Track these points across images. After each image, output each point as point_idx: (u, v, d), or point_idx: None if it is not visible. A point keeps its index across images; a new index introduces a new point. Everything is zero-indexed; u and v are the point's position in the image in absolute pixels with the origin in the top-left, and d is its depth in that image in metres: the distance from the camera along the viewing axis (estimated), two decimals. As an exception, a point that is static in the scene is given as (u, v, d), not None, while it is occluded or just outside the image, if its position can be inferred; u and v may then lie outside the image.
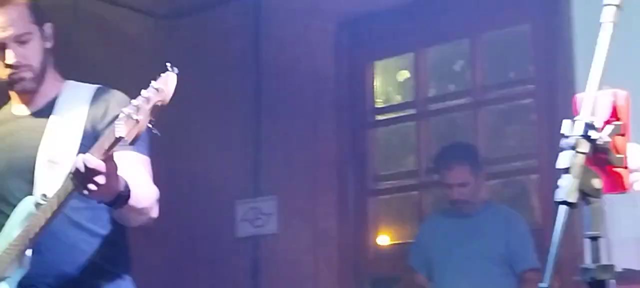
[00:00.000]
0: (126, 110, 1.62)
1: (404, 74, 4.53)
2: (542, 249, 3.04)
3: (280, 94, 4.21)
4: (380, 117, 4.51)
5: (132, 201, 1.74)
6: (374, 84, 4.49)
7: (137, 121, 1.60)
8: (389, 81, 4.69)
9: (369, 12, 3.91)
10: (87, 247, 1.93)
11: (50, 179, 1.82)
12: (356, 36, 4.38)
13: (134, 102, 1.63)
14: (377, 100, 4.53)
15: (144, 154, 1.96)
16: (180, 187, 4.07)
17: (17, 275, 1.83)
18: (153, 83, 1.63)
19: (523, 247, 3.18)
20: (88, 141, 1.80)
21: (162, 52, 4.29)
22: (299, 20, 4.05)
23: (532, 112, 3.70)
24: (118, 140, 1.63)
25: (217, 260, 4.08)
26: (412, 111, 4.33)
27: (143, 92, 1.64)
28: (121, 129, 1.62)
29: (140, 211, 1.83)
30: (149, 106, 1.61)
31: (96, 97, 1.92)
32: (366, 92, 4.39)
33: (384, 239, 4.36)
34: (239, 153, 4.26)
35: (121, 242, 2.01)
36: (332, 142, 4.32)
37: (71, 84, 2.02)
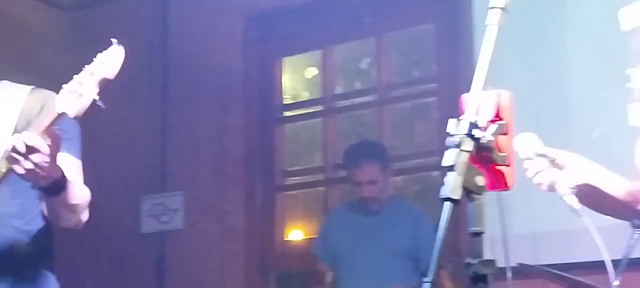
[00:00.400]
0: (68, 85, 1.59)
1: (312, 71, 4.59)
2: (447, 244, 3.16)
3: (187, 88, 4.20)
4: (288, 113, 4.56)
5: (67, 195, 1.72)
6: (282, 80, 4.53)
7: (81, 95, 1.57)
8: (297, 77, 4.75)
9: (278, 8, 3.95)
10: (12, 241, 1.91)
11: None
12: (265, 32, 4.40)
13: (76, 77, 1.60)
14: (285, 96, 4.57)
15: (77, 157, 1.95)
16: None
17: None
18: (99, 56, 1.60)
19: (427, 243, 3.28)
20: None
21: (67, 45, 4.20)
22: (208, 14, 4.04)
23: (435, 110, 3.84)
24: (60, 115, 1.60)
25: (122, 256, 4.03)
26: (319, 108, 4.41)
27: (87, 66, 1.61)
28: (62, 104, 1.59)
29: (73, 208, 1.81)
30: (93, 80, 1.58)
31: (32, 94, 1.89)
32: (274, 88, 4.43)
33: (291, 235, 4.41)
34: (144, 148, 4.21)
35: (48, 239, 1.97)
36: (240, 137, 4.35)
37: (5, 83, 1.97)
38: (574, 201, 1.76)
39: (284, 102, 4.54)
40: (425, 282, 1.35)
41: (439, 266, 3.35)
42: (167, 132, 4.20)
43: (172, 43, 4.28)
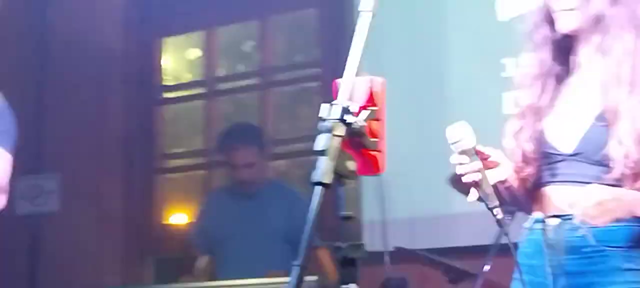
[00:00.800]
0: None
1: (194, 52, 4.59)
2: (324, 227, 3.29)
3: (66, 67, 4.11)
4: (168, 95, 4.55)
5: None
6: (164, 61, 4.52)
7: None
8: (179, 59, 4.75)
9: (159, -14, 3.97)
10: None
11: None
12: (146, 11, 4.37)
13: None
14: (166, 77, 4.56)
15: (5, 148, 2.03)
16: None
17: None
18: None
19: (303, 226, 3.38)
20: None
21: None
22: (88, -9, 4.02)
23: (318, 94, 3.97)
24: None
25: (-6, 238, 3.98)
26: (201, 90, 4.44)
27: None
28: None
29: None
30: None
31: None
32: (155, 68, 4.40)
33: (171, 218, 4.44)
34: (19, 127, 4.08)
35: None
36: (119, 118, 4.33)
37: None
38: (499, 213, 1.76)
39: (165, 84, 4.50)
40: (294, 265, 1.37)
41: (316, 247, 3.46)
42: (43, 110, 4.12)
43: (51, 20, 4.19)
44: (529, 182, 1.81)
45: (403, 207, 3.49)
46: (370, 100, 1.46)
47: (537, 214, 1.83)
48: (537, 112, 1.81)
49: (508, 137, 1.84)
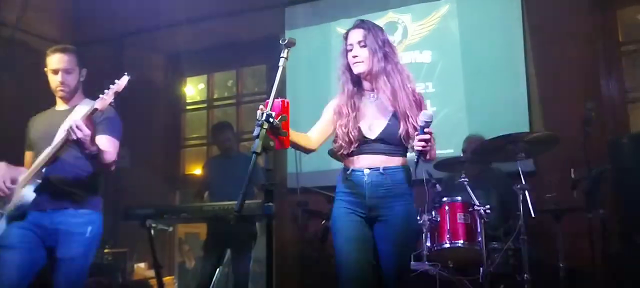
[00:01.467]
0: (102, 96, 2.69)
1: (201, 86, 6.63)
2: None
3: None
4: (188, 107, 6.52)
5: (101, 157, 2.83)
6: (186, 89, 6.52)
7: (104, 99, 2.71)
8: (194, 88, 6.79)
9: None
10: (78, 176, 2.94)
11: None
12: (176, 61, 6.38)
13: (106, 92, 2.71)
14: (187, 98, 6.57)
15: (114, 137, 2.96)
16: None
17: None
18: (116, 81, 2.75)
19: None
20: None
21: None
22: None
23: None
24: (95, 110, 2.72)
25: None
26: (204, 105, 6.41)
27: (111, 86, 2.73)
28: (98, 103, 2.71)
29: (104, 164, 2.90)
30: (111, 93, 2.73)
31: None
32: (180, 94, 6.45)
33: (189, 170, 6.37)
34: None
35: (94, 178, 2.99)
36: (162, 119, 6.36)
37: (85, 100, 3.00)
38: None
39: (187, 101, 6.43)
40: (241, 193, 2.07)
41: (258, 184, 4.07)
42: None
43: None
44: (345, 152, 2.63)
45: (307, 165, 4.94)
46: (283, 111, 2.23)
47: (354, 167, 2.67)
48: (354, 117, 2.62)
49: (338, 129, 2.64)
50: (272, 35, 5.37)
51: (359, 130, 2.65)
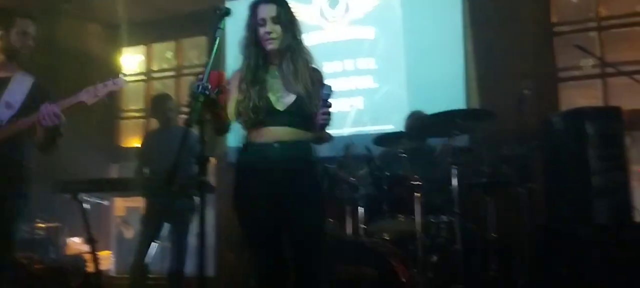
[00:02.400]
0: (95, 87, 2.70)
1: (138, 57, 6.58)
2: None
3: None
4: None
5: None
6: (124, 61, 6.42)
7: (96, 96, 2.73)
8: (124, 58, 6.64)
9: None
10: None
11: None
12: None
13: (99, 84, 2.72)
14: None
15: None
16: None
17: None
18: (112, 80, 2.74)
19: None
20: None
21: None
22: None
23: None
24: (81, 102, 2.74)
25: None
26: (143, 77, 6.46)
27: (105, 82, 2.72)
28: (86, 97, 2.74)
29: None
30: (105, 91, 2.74)
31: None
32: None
33: (128, 142, 6.40)
34: None
35: None
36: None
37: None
38: None
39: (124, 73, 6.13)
40: (165, 184, 2.93)
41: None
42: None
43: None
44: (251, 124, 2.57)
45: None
46: (220, 83, 2.29)
47: (260, 139, 2.61)
48: (259, 89, 2.59)
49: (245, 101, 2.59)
50: (213, 6, 5.24)
51: (268, 100, 2.61)
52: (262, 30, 2.63)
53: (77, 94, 2.76)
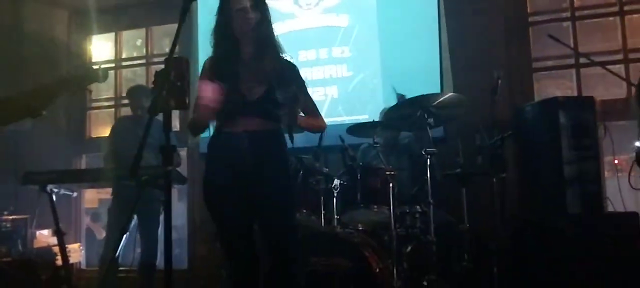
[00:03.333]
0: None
1: (107, 45, 6.40)
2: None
3: None
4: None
5: None
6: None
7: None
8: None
9: None
10: None
11: None
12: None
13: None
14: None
15: None
16: None
17: None
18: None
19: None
20: None
21: None
22: None
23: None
24: None
25: None
26: (113, 64, 6.26)
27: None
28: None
29: None
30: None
31: None
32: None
33: (97, 132, 6.27)
34: None
35: None
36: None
37: None
38: None
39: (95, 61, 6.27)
40: (128, 174, 2.42)
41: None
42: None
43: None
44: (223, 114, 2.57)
45: None
46: (183, 70, 2.15)
47: (232, 130, 2.63)
48: (233, 79, 2.59)
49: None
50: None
51: (239, 91, 2.62)
52: (239, 17, 2.62)
53: None
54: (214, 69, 2.64)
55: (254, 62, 2.67)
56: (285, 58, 2.74)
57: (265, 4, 2.70)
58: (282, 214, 2.65)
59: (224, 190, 2.60)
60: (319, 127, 2.89)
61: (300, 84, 2.74)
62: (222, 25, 2.68)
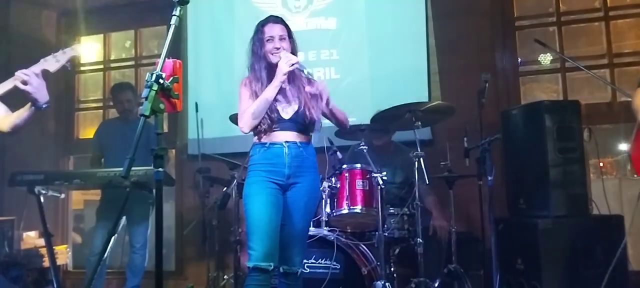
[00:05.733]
0: (54, 55, 2.73)
1: (96, 47, 6.31)
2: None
3: None
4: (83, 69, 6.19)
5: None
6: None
7: (57, 61, 2.77)
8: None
9: None
10: None
11: None
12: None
13: (60, 52, 2.74)
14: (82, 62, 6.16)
15: None
16: None
17: None
18: (72, 46, 2.82)
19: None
20: None
21: None
22: None
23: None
24: (45, 70, 2.71)
25: None
26: (101, 66, 6.20)
27: (64, 50, 2.76)
28: (48, 64, 2.74)
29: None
30: (66, 57, 2.79)
31: None
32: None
33: (84, 133, 6.12)
34: None
35: None
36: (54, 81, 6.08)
37: None
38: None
39: (82, 62, 6.14)
40: (122, 177, 2.16)
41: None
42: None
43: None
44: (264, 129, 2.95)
45: (209, 132, 5.01)
46: (175, 72, 2.17)
47: (272, 141, 2.97)
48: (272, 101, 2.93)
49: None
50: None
51: (277, 111, 2.98)
52: (269, 46, 3.00)
53: (39, 62, 2.76)
54: (253, 91, 3.01)
55: (286, 85, 3.02)
56: (309, 78, 3.03)
57: (291, 33, 3.12)
58: (308, 217, 3.07)
59: (265, 192, 2.91)
60: (345, 119, 3.23)
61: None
62: (257, 52, 3.05)
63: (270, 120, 2.93)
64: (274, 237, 2.82)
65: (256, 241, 2.80)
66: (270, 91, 2.91)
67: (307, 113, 2.96)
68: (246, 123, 2.94)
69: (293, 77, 3.02)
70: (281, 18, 3.11)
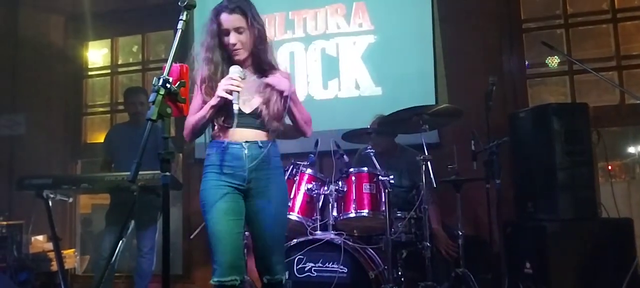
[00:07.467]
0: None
1: (104, 51, 6.31)
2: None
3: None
4: (91, 73, 6.19)
5: None
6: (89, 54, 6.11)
7: None
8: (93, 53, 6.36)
9: None
10: None
11: None
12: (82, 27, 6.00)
13: None
14: (91, 63, 6.17)
15: None
16: None
17: None
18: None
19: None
20: None
21: None
22: None
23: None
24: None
25: None
26: (109, 71, 6.19)
27: None
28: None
29: None
30: None
31: None
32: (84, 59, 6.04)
33: (92, 138, 6.13)
34: None
35: None
36: (62, 86, 5.98)
37: None
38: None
39: (90, 67, 6.12)
40: (129, 181, 2.43)
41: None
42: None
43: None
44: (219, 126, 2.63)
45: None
46: (182, 76, 2.22)
47: (231, 140, 2.63)
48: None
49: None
50: (179, -1, 5.21)
51: (237, 104, 2.57)
52: (226, 40, 2.62)
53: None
54: (207, 83, 2.63)
55: (246, 75, 2.66)
56: (279, 69, 2.74)
57: (254, 20, 2.65)
58: (279, 223, 2.73)
59: (222, 198, 2.61)
60: (304, 122, 2.76)
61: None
62: (212, 43, 2.65)
63: (227, 115, 2.58)
64: (237, 247, 2.56)
65: (218, 254, 2.53)
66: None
67: (272, 107, 2.62)
68: (187, 135, 2.69)
69: (257, 64, 2.70)
70: (239, 5, 2.65)
